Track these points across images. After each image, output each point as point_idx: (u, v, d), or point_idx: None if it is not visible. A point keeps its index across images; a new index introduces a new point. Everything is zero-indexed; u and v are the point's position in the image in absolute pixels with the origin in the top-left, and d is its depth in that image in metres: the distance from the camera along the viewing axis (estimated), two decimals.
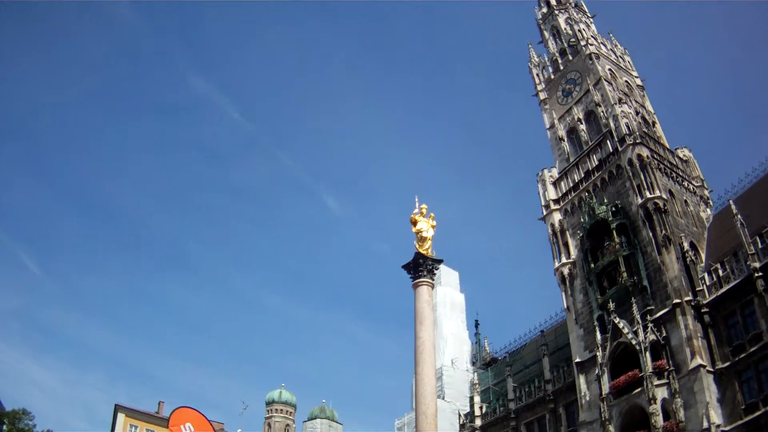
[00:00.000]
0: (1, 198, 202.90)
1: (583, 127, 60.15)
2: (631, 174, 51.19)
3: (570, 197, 57.85)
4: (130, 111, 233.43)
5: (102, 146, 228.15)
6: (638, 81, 65.10)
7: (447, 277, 76.95)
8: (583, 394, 49.62)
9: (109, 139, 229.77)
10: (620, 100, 57.00)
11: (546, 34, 70.94)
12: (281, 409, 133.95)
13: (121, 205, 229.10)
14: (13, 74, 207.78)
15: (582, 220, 54.29)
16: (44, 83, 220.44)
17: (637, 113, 57.96)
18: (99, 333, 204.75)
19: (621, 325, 46.06)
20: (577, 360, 51.05)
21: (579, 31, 65.73)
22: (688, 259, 46.33)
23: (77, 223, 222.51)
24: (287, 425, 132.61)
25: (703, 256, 48.81)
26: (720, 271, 44.14)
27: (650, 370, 42.66)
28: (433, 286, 27.68)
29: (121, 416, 69.44)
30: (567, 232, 56.89)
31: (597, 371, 47.22)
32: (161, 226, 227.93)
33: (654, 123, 60.58)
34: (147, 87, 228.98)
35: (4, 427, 63.44)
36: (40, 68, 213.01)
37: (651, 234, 47.89)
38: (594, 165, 56.48)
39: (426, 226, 28.06)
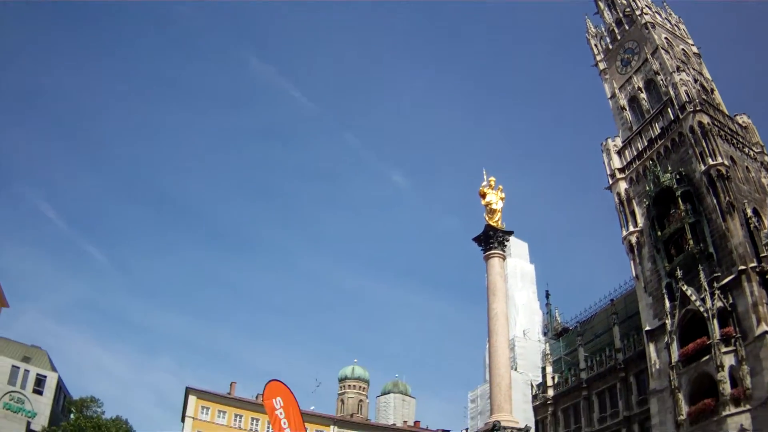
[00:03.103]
0: (67, 190, 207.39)
1: (643, 95, 60.08)
2: (693, 141, 51.07)
3: (635, 166, 57.90)
4: (193, 99, 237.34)
5: (167, 135, 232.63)
6: (694, 49, 64.52)
7: (516, 248, 76.67)
8: (653, 362, 49.62)
9: (174, 128, 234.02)
10: (678, 68, 56.92)
11: (601, 4, 70.64)
12: (354, 385, 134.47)
13: (187, 192, 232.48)
14: (76, 70, 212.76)
15: (647, 188, 54.25)
16: (106, 76, 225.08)
17: (696, 81, 57.59)
18: (167, 317, 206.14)
19: (689, 293, 46.27)
20: (647, 328, 51.13)
21: (633, 0, 65.34)
22: (751, 225, 46.29)
23: (143, 212, 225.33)
24: (360, 401, 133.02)
25: (765, 222, 48.56)
26: None
27: (718, 337, 42.91)
28: (504, 258, 28.04)
29: (192, 398, 70.95)
30: (633, 201, 56.93)
31: (666, 339, 47.49)
32: (229, 210, 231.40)
33: (713, 90, 60.10)
34: (209, 74, 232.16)
35: (72, 416, 64.00)
36: (101, 64, 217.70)
37: (715, 201, 47.83)
38: (656, 133, 56.46)
39: (495, 199, 28.68)
